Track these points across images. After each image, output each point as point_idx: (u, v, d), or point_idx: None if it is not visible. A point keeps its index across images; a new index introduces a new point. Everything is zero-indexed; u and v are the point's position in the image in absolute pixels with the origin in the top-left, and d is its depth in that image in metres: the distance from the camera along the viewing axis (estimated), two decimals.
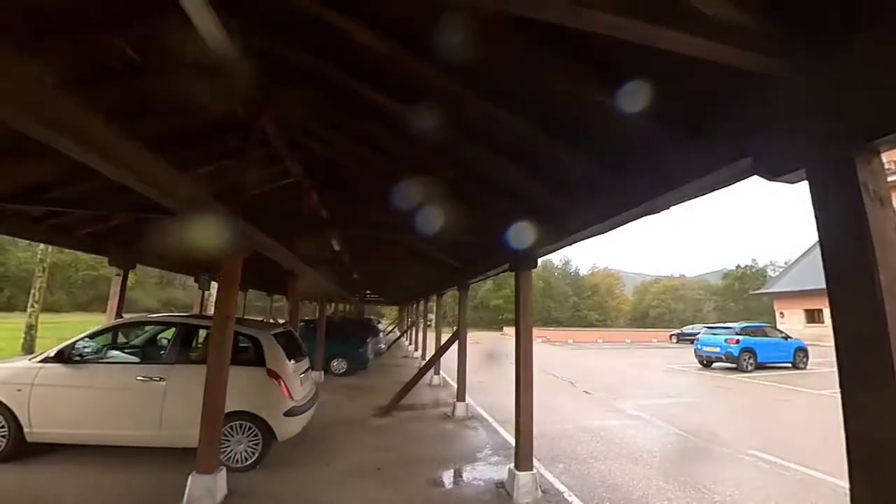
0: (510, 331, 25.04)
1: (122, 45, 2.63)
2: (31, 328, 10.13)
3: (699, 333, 25.84)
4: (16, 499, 3.65)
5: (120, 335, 5.34)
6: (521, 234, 3.63)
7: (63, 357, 4.38)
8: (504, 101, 2.40)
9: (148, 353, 5.03)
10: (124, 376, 4.38)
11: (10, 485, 3.82)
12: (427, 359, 10.31)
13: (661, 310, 51.10)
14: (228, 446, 4.27)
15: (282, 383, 4.46)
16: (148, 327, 5.75)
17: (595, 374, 13.23)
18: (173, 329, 4.85)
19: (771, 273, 43.29)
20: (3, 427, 4.19)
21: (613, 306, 54.78)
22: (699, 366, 15.29)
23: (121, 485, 3.87)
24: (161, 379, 4.32)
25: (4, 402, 4.19)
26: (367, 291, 17.53)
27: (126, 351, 5.00)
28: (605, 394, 9.61)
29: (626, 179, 2.40)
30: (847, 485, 1.14)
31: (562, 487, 4.14)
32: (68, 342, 4.52)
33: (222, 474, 3.68)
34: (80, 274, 48.79)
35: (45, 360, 4.37)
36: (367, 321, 17.00)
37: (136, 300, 46.87)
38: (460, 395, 7.14)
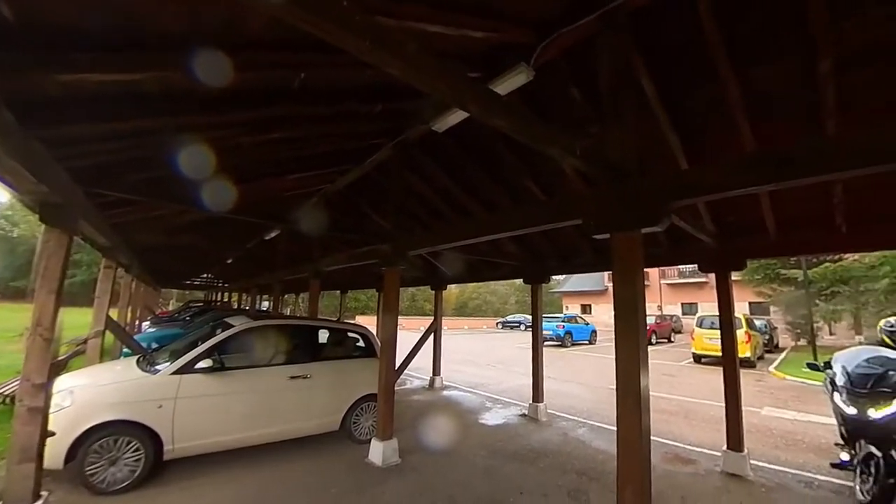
0: (361, 319, 27.89)
1: None
2: None
3: (521, 322, 33.64)
4: None
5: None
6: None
7: (211, 365, 4.30)
8: None
9: (293, 354, 5.09)
10: (275, 377, 4.72)
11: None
12: None
13: (479, 301, 61.28)
14: (359, 424, 5.30)
15: None
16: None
17: (478, 354, 16.88)
18: (298, 331, 5.37)
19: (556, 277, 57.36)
20: (138, 451, 3.82)
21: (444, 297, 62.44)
22: None
23: (299, 472, 4.37)
24: (307, 376, 4.94)
25: (143, 422, 3.85)
26: None
27: (244, 353, 4.87)
28: (503, 365, 13.36)
29: None
30: None
31: (553, 411, 7.34)
32: (205, 348, 4.39)
33: (395, 440, 4.81)
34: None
35: (182, 371, 4.17)
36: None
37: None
38: (436, 371, 9.60)
